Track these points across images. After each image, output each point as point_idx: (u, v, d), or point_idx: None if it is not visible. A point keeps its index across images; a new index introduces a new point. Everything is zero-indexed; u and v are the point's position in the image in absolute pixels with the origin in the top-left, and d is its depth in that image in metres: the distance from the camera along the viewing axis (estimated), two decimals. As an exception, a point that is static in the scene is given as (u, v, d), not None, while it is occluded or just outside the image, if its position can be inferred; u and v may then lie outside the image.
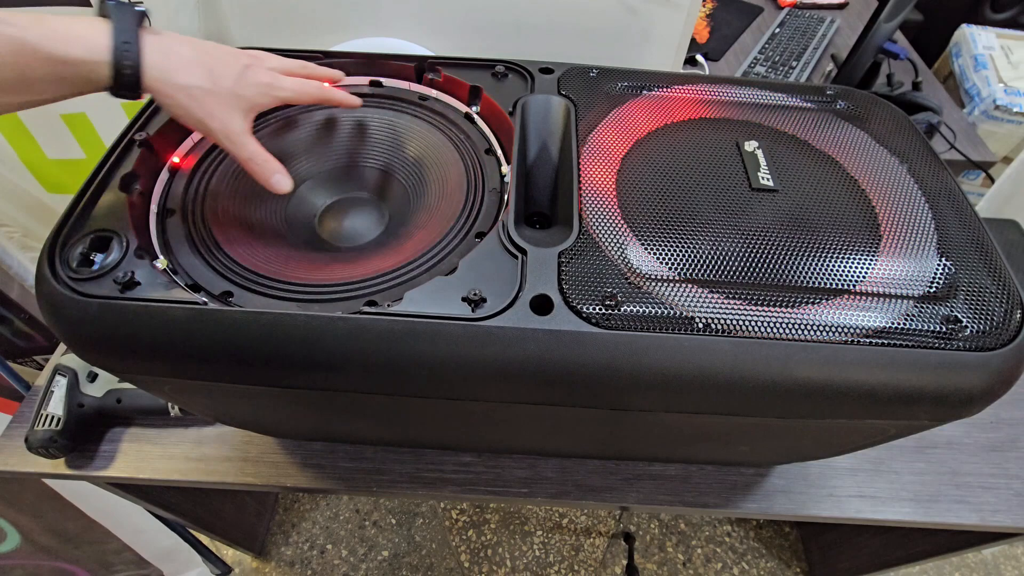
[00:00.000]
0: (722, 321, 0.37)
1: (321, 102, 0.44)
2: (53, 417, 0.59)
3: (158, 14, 0.77)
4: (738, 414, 0.40)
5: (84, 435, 0.62)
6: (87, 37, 0.34)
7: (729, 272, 0.40)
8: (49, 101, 0.35)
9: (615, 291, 0.38)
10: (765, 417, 0.41)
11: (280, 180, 0.39)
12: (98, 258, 0.39)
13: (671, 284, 0.39)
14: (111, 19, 0.35)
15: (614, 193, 0.44)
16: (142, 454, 0.63)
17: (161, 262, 0.40)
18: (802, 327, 0.37)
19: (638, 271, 0.39)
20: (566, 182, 0.45)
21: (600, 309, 0.37)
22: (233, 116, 0.39)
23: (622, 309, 0.37)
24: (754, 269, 0.40)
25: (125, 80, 0.35)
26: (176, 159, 0.48)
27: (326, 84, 0.47)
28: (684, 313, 0.37)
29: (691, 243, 0.41)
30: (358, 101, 0.44)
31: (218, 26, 0.84)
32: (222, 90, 0.38)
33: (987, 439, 0.66)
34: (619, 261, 0.40)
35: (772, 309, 0.38)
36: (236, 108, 0.39)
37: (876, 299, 0.39)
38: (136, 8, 0.36)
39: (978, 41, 1.38)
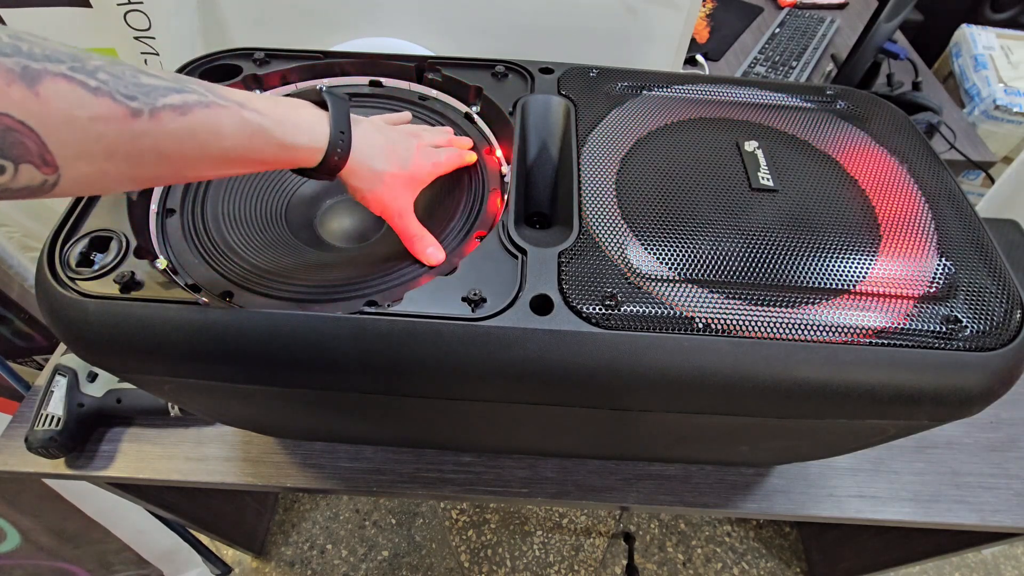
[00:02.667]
0: (722, 321, 0.37)
1: (460, 167, 0.48)
2: (53, 417, 0.59)
3: (158, 13, 0.78)
4: (738, 414, 0.40)
5: (84, 435, 0.62)
6: (312, 126, 0.37)
7: (729, 272, 0.40)
8: (242, 173, 0.38)
9: (615, 291, 0.38)
10: (765, 417, 0.41)
11: (433, 254, 0.43)
12: (98, 258, 0.39)
13: (671, 284, 0.39)
14: (329, 109, 0.38)
15: (614, 193, 0.44)
16: (142, 454, 0.63)
17: (161, 262, 0.40)
18: (802, 327, 0.37)
19: (638, 271, 0.39)
20: (566, 182, 0.45)
21: (600, 309, 0.37)
22: (409, 197, 0.43)
23: (622, 309, 0.37)
24: (754, 269, 0.40)
25: (332, 166, 0.38)
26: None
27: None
28: (684, 313, 0.37)
29: (691, 243, 0.41)
30: (474, 159, 0.49)
31: (218, 26, 0.84)
32: (403, 174, 0.42)
33: (987, 439, 0.66)
34: (619, 261, 0.40)
35: (772, 309, 0.38)
36: (411, 189, 0.43)
37: (876, 299, 0.39)
38: (345, 99, 0.39)
39: (978, 41, 1.38)
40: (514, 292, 0.38)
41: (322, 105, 0.39)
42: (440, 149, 0.46)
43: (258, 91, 0.53)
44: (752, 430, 0.45)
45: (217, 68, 0.53)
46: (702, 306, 0.38)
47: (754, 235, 0.42)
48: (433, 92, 0.56)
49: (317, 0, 0.83)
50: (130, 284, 0.38)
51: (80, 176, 0.28)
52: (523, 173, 0.48)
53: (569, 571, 1.23)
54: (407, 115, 0.51)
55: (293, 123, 0.36)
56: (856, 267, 0.40)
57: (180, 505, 0.89)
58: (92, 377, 0.62)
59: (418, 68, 0.55)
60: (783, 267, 0.40)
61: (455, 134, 0.52)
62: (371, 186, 0.41)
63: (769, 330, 0.37)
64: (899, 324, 0.38)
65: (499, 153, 0.51)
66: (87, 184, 0.29)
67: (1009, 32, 1.41)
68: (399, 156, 0.42)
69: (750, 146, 0.48)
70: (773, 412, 0.40)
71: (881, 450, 0.65)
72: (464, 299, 0.38)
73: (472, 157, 0.48)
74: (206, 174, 0.35)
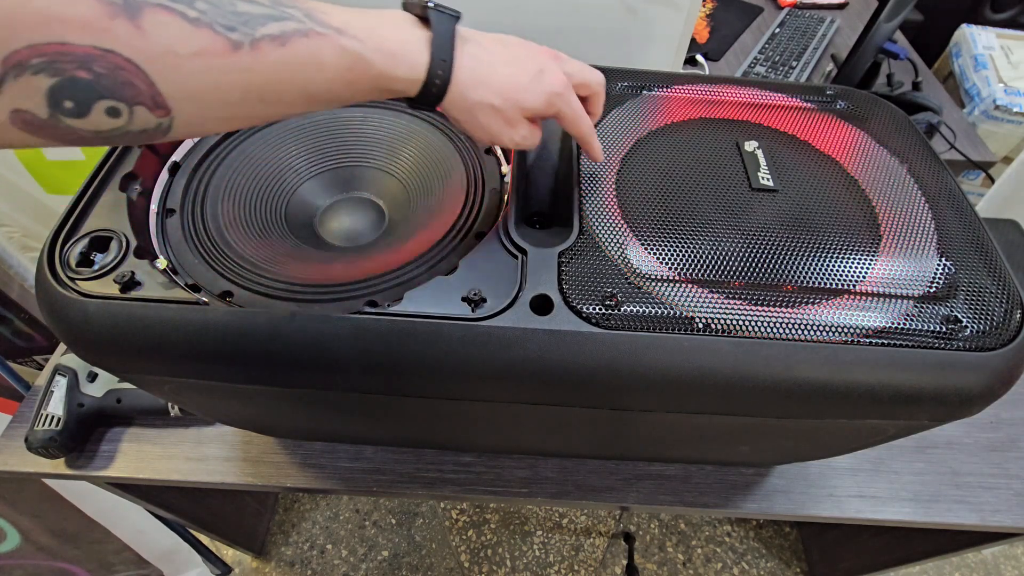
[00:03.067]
0: (722, 321, 0.37)
1: (581, 141, 0.42)
2: (53, 417, 0.59)
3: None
4: (738, 414, 0.40)
5: (84, 435, 0.62)
6: (411, 55, 0.33)
7: (729, 272, 0.40)
8: (326, 108, 0.34)
9: (615, 291, 0.38)
10: (765, 417, 0.41)
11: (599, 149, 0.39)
12: (98, 258, 0.39)
13: (671, 284, 0.39)
14: (432, 30, 0.34)
15: (614, 193, 0.44)
16: (142, 454, 0.63)
17: (161, 262, 0.40)
18: (802, 327, 0.37)
19: (638, 271, 0.39)
20: (566, 182, 0.45)
21: (600, 309, 0.37)
22: (518, 127, 0.38)
23: (622, 309, 0.37)
24: (754, 269, 0.40)
25: (430, 98, 0.35)
26: (176, 159, 0.48)
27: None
28: (684, 313, 0.37)
29: (691, 243, 0.41)
30: (601, 157, 0.44)
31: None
32: (510, 103, 0.37)
33: (987, 439, 0.66)
34: (619, 261, 0.40)
35: (772, 309, 0.38)
36: (520, 118, 0.38)
37: (876, 299, 0.39)
38: (454, 16, 0.35)
39: (978, 41, 1.38)
40: (514, 292, 0.38)
41: (426, 22, 0.34)
42: (575, 96, 0.40)
43: None
44: (752, 430, 0.45)
45: (217, 68, 0.53)
46: (702, 306, 0.38)
47: (754, 235, 0.42)
48: (433, 92, 0.55)
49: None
50: (130, 284, 0.38)
51: (190, 118, 0.27)
52: (523, 173, 0.48)
53: (569, 571, 1.23)
54: (600, 77, 0.43)
55: (391, 51, 0.32)
56: (856, 267, 0.40)
57: (180, 505, 0.89)
58: (92, 377, 0.62)
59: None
60: (783, 267, 0.40)
61: (454, 133, 0.52)
62: (470, 118, 0.37)
63: (769, 330, 0.37)
64: (899, 324, 0.38)
65: (499, 153, 0.51)
66: (197, 126, 0.28)
67: (1009, 32, 1.41)
68: (508, 81, 0.37)
69: (750, 146, 0.48)
70: (773, 412, 0.40)
71: (881, 450, 0.65)
72: (464, 299, 0.38)
73: (600, 156, 0.43)
74: (306, 109, 0.32)
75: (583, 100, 0.41)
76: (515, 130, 0.38)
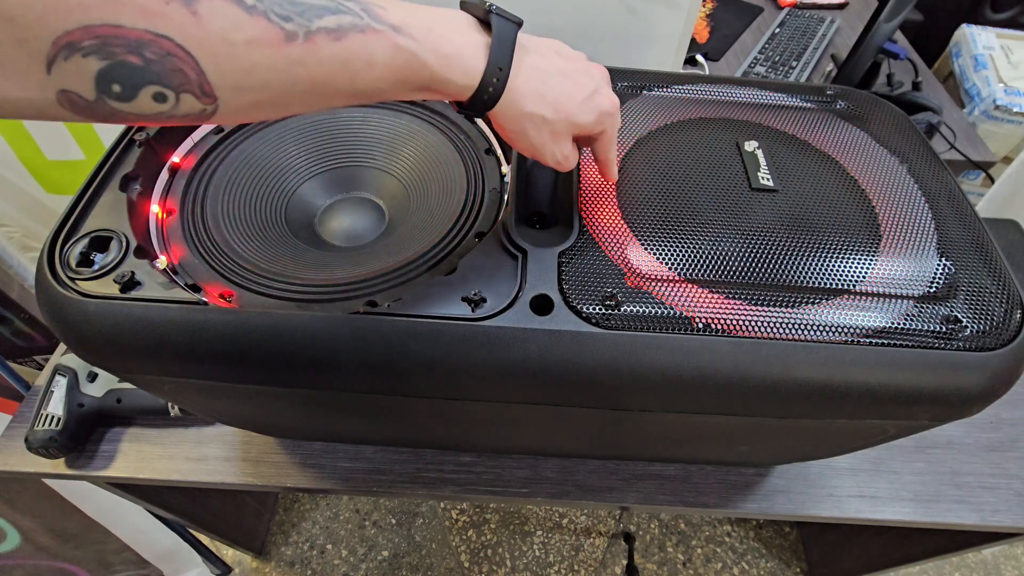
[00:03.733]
0: (722, 321, 0.37)
1: (607, 163, 0.42)
2: (53, 417, 0.59)
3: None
4: (738, 414, 0.40)
5: (84, 435, 0.62)
6: (467, 60, 0.32)
7: (729, 272, 0.40)
8: (366, 102, 0.33)
9: (615, 291, 0.38)
10: (765, 417, 0.41)
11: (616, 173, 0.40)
12: (98, 258, 0.39)
13: (671, 284, 0.39)
14: (493, 36, 0.33)
15: (614, 193, 0.44)
16: (142, 454, 0.63)
17: (161, 262, 0.40)
18: (802, 327, 0.37)
19: (638, 271, 0.39)
20: (566, 182, 0.45)
21: (600, 309, 0.37)
22: (564, 144, 0.38)
23: (622, 309, 0.37)
24: (754, 269, 0.40)
25: (480, 105, 0.34)
26: (176, 159, 0.48)
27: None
28: (684, 313, 0.37)
29: (691, 243, 0.41)
30: (615, 179, 0.44)
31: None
32: (560, 117, 0.36)
33: (987, 439, 0.66)
34: (619, 261, 0.40)
35: (772, 309, 0.38)
36: (568, 135, 0.38)
37: (876, 299, 0.39)
38: (516, 23, 0.34)
39: (978, 41, 1.38)
40: (514, 292, 0.38)
41: (487, 26, 0.33)
42: (617, 115, 0.40)
43: None
44: (752, 430, 0.45)
45: (217, 68, 0.53)
46: (702, 306, 0.38)
47: (754, 235, 0.42)
48: (433, 92, 0.55)
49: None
50: (130, 284, 0.38)
51: (235, 106, 0.27)
52: (523, 173, 0.48)
53: (569, 571, 1.23)
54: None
55: (446, 54, 0.31)
56: (856, 267, 0.40)
57: (180, 505, 0.89)
58: (92, 377, 0.62)
59: (418, 68, 0.55)
60: (783, 267, 0.40)
61: (454, 133, 0.52)
62: (517, 129, 0.36)
63: (769, 330, 0.37)
64: (899, 324, 0.38)
65: (499, 153, 0.51)
66: (242, 114, 0.28)
67: (1009, 32, 1.41)
68: (562, 96, 0.36)
69: (750, 146, 0.48)
70: (773, 412, 0.40)
71: (881, 450, 0.65)
72: (464, 299, 0.38)
73: (614, 177, 0.43)
74: (341, 104, 0.32)
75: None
76: (559, 146, 0.37)
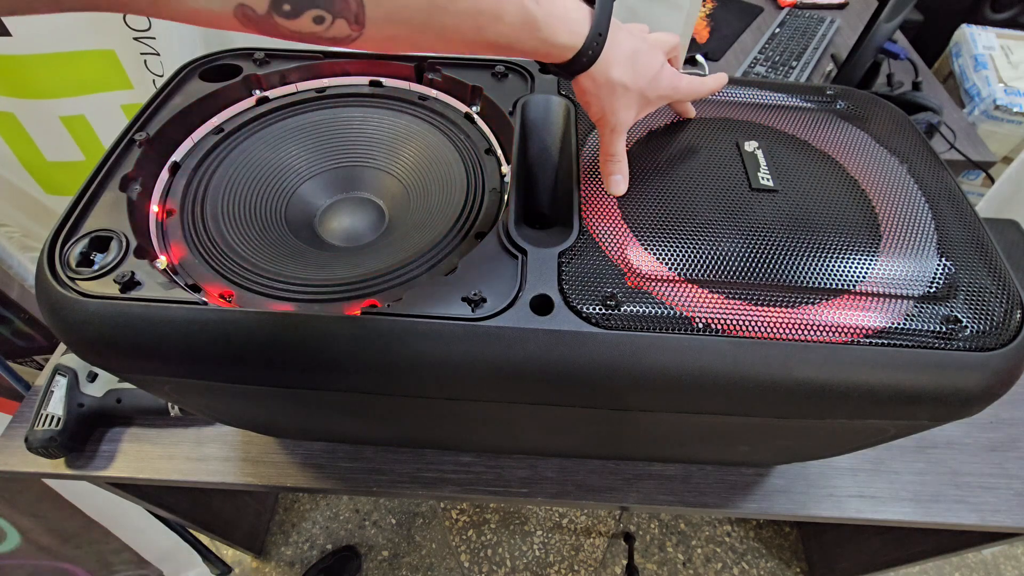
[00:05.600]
0: (722, 321, 0.37)
1: (684, 109, 0.48)
2: (53, 417, 0.59)
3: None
4: (738, 414, 0.40)
5: (84, 435, 0.62)
6: (575, 23, 0.36)
7: (729, 272, 0.40)
8: (484, 54, 0.37)
9: (615, 291, 0.38)
10: (765, 417, 0.41)
11: (617, 184, 0.43)
12: (98, 258, 0.39)
13: (671, 284, 0.39)
14: (596, 5, 0.37)
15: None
16: (142, 454, 0.63)
17: (161, 262, 0.40)
18: (802, 327, 0.37)
19: (638, 271, 0.39)
20: (566, 182, 0.45)
21: (600, 309, 0.37)
22: (632, 113, 0.42)
23: (622, 309, 0.37)
24: (754, 269, 0.40)
25: (578, 66, 0.38)
26: (176, 159, 0.48)
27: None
28: (684, 313, 0.37)
29: (691, 243, 0.41)
30: (693, 113, 0.49)
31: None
32: (636, 88, 0.40)
33: (987, 439, 0.66)
34: (619, 261, 0.40)
35: (772, 309, 0.38)
36: (638, 106, 0.42)
37: (876, 299, 0.39)
38: None
39: (978, 41, 1.38)
40: (514, 292, 0.38)
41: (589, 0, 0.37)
42: (682, 76, 0.44)
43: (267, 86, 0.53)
44: (752, 430, 0.45)
45: (217, 68, 0.53)
46: (702, 306, 0.38)
47: (754, 235, 0.42)
48: (433, 92, 0.56)
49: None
50: (130, 284, 0.38)
51: (377, 36, 0.31)
52: (523, 173, 0.48)
53: (569, 571, 1.23)
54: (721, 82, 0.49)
55: (559, 17, 0.36)
56: (856, 267, 0.40)
57: (180, 505, 0.89)
58: (92, 377, 0.62)
59: (418, 68, 0.55)
60: (783, 267, 0.40)
61: (454, 133, 0.52)
62: (600, 93, 0.40)
63: (769, 330, 0.37)
64: (899, 324, 0.38)
65: (499, 153, 0.51)
66: (379, 44, 0.32)
67: (1009, 32, 1.41)
68: (639, 68, 0.40)
69: (750, 146, 0.48)
70: (773, 412, 0.40)
71: (881, 450, 0.65)
72: (464, 299, 0.38)
73: (692, 111, 0.48)
74: (470, 53, 0.36)
75: None
76: (627, 113, 0.41)
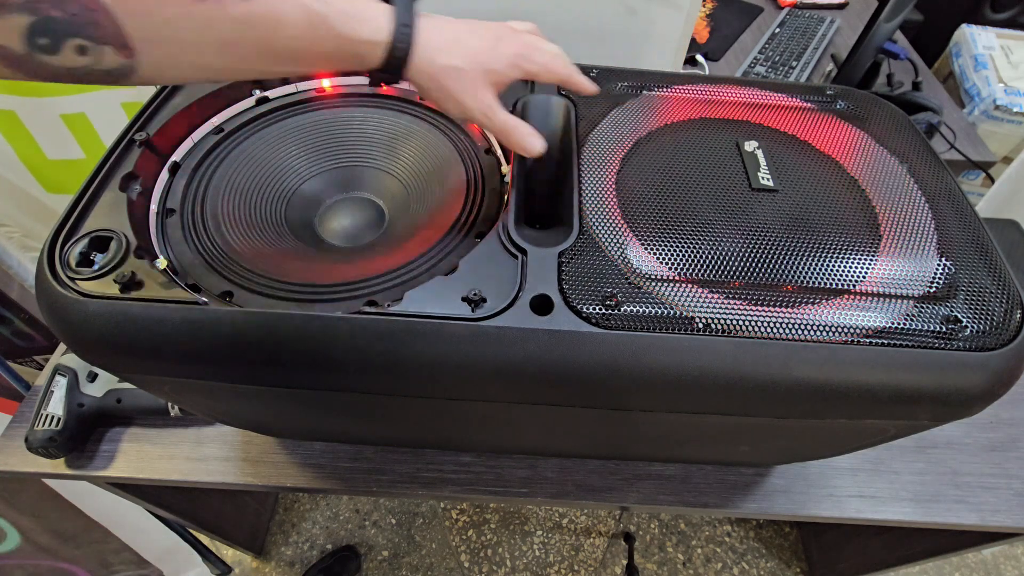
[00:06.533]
0: (722, 321, 0.37)
1: (566, 82, 0.44)
2: (53, 417, 0.59)
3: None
4: (738, 414, 0.40)
5: (84, 435, 0.62)
6: (374, 19, 0.35)
7: (729, 272, 0.40)
8: (304, 73, 0.37)
9: (615, 291, 0.38)
10: (765, 417, 0.41)
11: (533, 142, 0.41)
12: (98, 258, 0.39)
13: (671, 284, 0.39)
14: (394, 1, 0.36)
15: (614, 193, 0.44)
16: (142, 454, 0.63)
17: (161, 262, 0.40)
18: (802, 327, 0.37)
19: (638, 271, 0.39)
20: (566, 182, 0.45)
21: (600, 309, 0.37)
22: (485, 91, 0.40)
23: (622, 309, 0.37)
24: (754, 269, 0.40)
25: (394, 62, 0.37)
26: (176, 159, 0.48)
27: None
28: (684, 313, 0.37)
29: (691, 243, 0.41)
30: (596, 88, 0.45)
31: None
32: (475, 66, 0.39)
33: (987, 439, 0.66)
34: (619, 261, 0.40)
35: (772, 309, 0.38)
36: (487, 83, 0.40)
37: (876, 299, 0.39)
38: None
39: (978, 41, 1.38)
40: (514, 292, 0.38)
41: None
42: (538, 51, 0.42)
43: (257, 91, 0.53)
44: (752, 430, 0.45)
45: (217, 68, 0.53)
46: (702, 306, 0.38)
47: (754, 235, 0.42)
48: (433, 92, 0.55)
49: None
50: (130, 284, 0.38)
51: (155, 60, 0.30)
52: (523, 173, 0.48)
53: (569, 571, 1.23)
54: (556, 47, 0.45)
55: (354, 15, 0.35)
56: (856, 267, 0.40)
57: (180, 505, 0.89)
58: (92, 377, 0.62)
59: (418, 68, 0.55)
60: (783, 267, 0.40)
61: (454, 133, 0.52)
62: (439, 86, 0.38)
63: (769, 330, 0.37)
64: (899, 324, 0.38)
65: (499, 153, 0.51)
66: (163, 69, 0.31)
67: (1009, 32, 1.41)
68: (471, 47, 0.39)
69: (750, 146, 0.48)
70: (773, 412, 0.40)
71: (881, 450, 0.65)
72: (464, 299, 0.38)
73: (593, 87, 0.44)
74: (273, 68, 0.35)
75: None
76: (481, 96, 0.39)
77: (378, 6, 0.36)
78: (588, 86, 0.44)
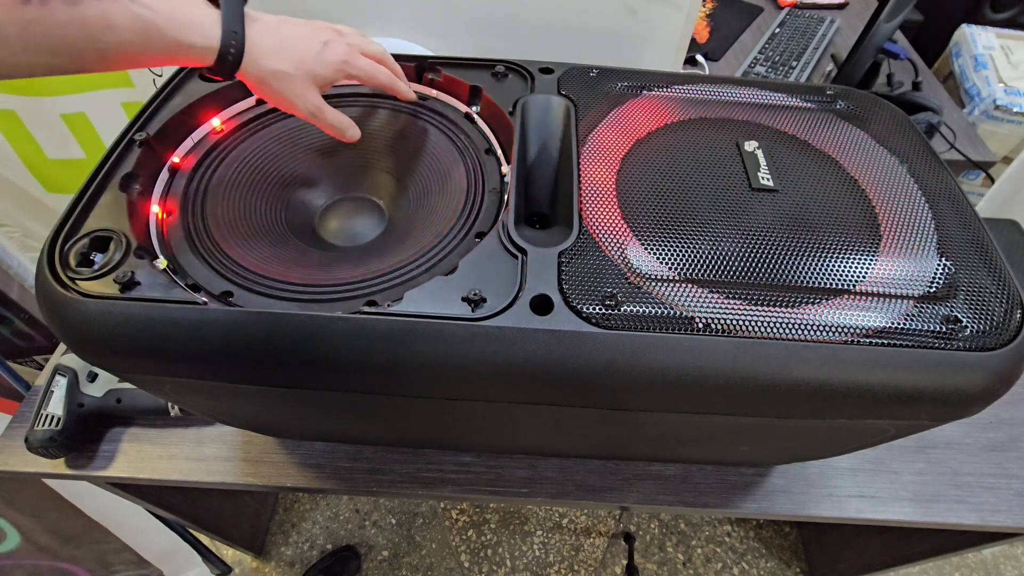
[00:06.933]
0: (722, 321, 0.37)
1: (386, 89, 0.47)
2: (53, 417, 0.59)
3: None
4: (738, 414, 0.40)
5: (84, 435, 0.62)
6: (202, 25, 0.37)
7: (729, 272, 0.40)
8: (141, 68, 0.38)
9: (615, 291, 0.38)
10: (765, 417, 0.41)
11: (353, 132, 0.46)
12: (98, 258, 0.39)
13: (671, 284, 0.39)
14: (221, 6, 0.38)
15: (614, 193, 0.44)
16: (142, 454, 0.63)
17: (161, 262, 0.40)
18: (802, 327, 0.37)
19: (638, 271, 0.39)
20: (566, 182, 0.45)
21: (600, 309, 0.37)
22: (311, 93, 0.43)
23: (622, 309, 0.37)
24: (754, 269, 0.40)
25: (226, 66, 0.39)
26: (176, 159, 0.48)
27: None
28: (684, 313, 0.37)
29: (691, 243, 0.41)
30: (413, 96, 0.48)
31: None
32: (302, 71, 0.42)
33: (987, 439, 0.66)
34: (619, 261, 0.40)
35: (772, 309, 0.38)
36: (313, 85, 0.43)
37: (876, 299, 0.39)
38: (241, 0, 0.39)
39: (978, 41, 1.38)
40: (514, 292, 0.38)
41: (215, 3, 0.39)
42: (362, 57, 0.45)
43: None
44: (752, 430, 0.45)
45: (217, 68, 0.53)
46: (702, 306, 0.38)
47: (754, 235, 0.42)
48: (433, 92, 0.56)
49: (317, 0, 0.83)
50: (130, 284, 0.38)
51: None
52: (523, 173, 0.48)
53: (569, 571, 1.23)
54: (379, 46, 0.48)
55: (183, 22, 0.36)
56: (856, 267, 0.40)
57: (180, 505, 0.89)
58: (92, 377, 0.62)
59: (418, 68, 0.55)
60: (783, 267, 0.40)
61: (454, 133, 0.52)
62: (268, 86, 0.41)
63: (769, 330, 0.37)
64: (899, 324, 0.38)
65: (499, 153, 0.51)
66: None
67: (1009, 32, 1.41)
68: (297, 52, 0.42)
69: (750, 146, 0.48)
70: (773, 412, 0.40)
71: (881, 450, 0.65)
72: (464, 299, 0.38)
73: (410, 95, 0.48)
74: (104, 67, 0.36)
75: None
76: (308, 97, 0.43)
77: (207, 11, 0.38)
78: (407, 93, 0.48)
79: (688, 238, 0.41)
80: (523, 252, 0.40)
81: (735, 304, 0.38)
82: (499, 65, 0.55)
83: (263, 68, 0.40)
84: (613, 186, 0.45)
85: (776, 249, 0.41)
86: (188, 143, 0.50)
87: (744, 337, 0.37)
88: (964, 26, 1.43)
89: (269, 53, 0.40)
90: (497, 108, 0.52)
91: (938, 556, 0.86)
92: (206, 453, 0.63)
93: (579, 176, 0.45)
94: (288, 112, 0.44)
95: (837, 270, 0.40)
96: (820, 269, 0.40)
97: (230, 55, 0.38)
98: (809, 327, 0.37)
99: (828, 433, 0.45)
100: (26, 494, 0.76)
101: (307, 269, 0.43)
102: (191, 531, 1.04)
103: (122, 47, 0.35)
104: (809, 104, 0.54)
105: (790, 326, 0.37)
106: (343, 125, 0.46)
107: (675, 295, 0.38)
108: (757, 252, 0.41)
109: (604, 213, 0.42)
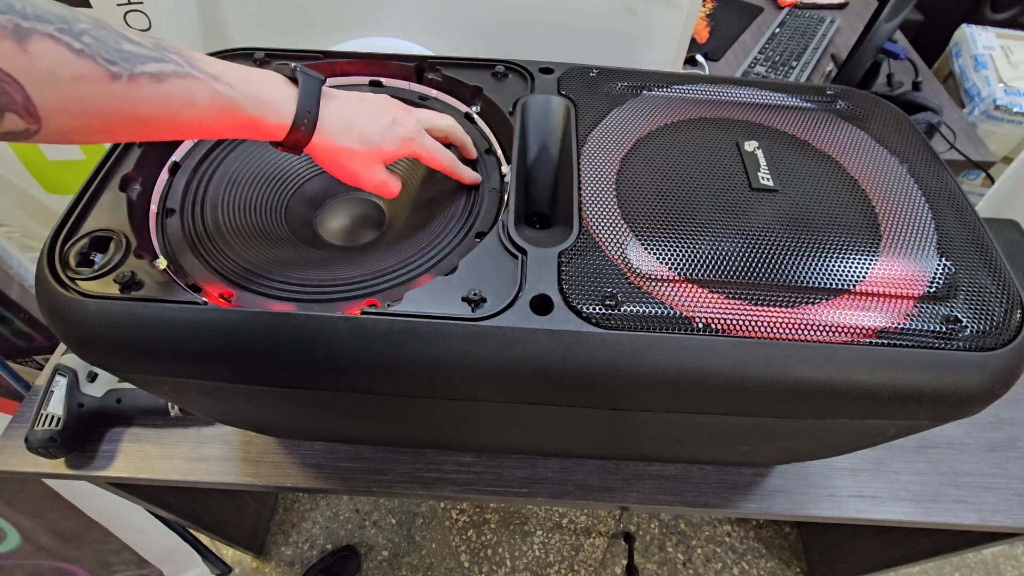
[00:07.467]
0: (722, 321, 0.37)
1: (448, 173, 0.47)
2: (53, 417, 0.59)
3: (158, 13, 0.78)
4: (738, 414, 0.40)
5: (84, 435, 0.62)
6: (280, 104, 0.38)
7: (729, 272, 0.40)
8: (214, 138, 0.40)
9: (615, 291, 0.38)
10: (765, 417, 0.41)
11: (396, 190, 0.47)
12: (98, 258, 0.39)
13: (671, 284, 0.39)
14: (299, 87, 0.39)
15: (614, 193, 0.44)
16: (142, 454, 0.63)
17: (161, 262, 0.40)
18: (802, 327, 0.37)
19: (638, 271, 0.39)
20: (566, 182, 0.45)
21: (600, 309, 0.37)
22: (377, 170, 0.44)
23: (622, 309, 0.37)
24: (754, 269, 0.40)
25: (295, 142, 0.40)
26: (176, 159, 0.48)
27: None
28: (684, 313, 0.37)
29: (691, 243, 0.41)
30: (476, 179, 0.48)
31: (218, 26, 0.84)
32: (368, 149, 0.43)
33: (987, 439, 0.66)
34: (619, 261, 0.40)
35: (772, 309, 0.38)
36: (379, 161, 0.44)
37: (876, 299, 0.39)
38: (319, 79, 0.41)
39: (978, 41, 1.38)
40: (514, 292, 0.38)
41: (295, 81, 0.40)
42: (428, 137, 0.46)
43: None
44: (752, 430, 0.45)
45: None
46: (702, 306, 0.38)
47: (754, 235, 0.42)
48: (433, 92, 0.56)
49: (320, 3, 0.83)
50: (130, 284, 0.38)
51: (61, 127, 0.31)
52: (523, 173, 0.48)
53: (569, 571, 1.23)
54: (449, 120, 0.49)
55: (262, 100, 0.37)
56: (856, 267, 0.40)
57: (180, 505, 0.89)
58: (92, 377, 0.62)
59: (418, 68, 0.55)
60: (783, 267, 0.40)
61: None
62: (335, 161, 0.43)
63: (769, 330, 0.37)
64: (899, 324, 0.38)
65: (499, 153, 0.51)
66: (67, 135, 0.32)
67: (1009, 32, 1.41)
68: (366, 130, 0.43)
69: (750, 146, 0.48)
70: (773, 412, 0.40)
71: (881, 450, 0.65)
72: (464, 299, 0.38)
73: (475, 178, 0.48)
74: (173, 137, 0.37)
75: (443, 141, 0.48)
76: (374, 174, 0.44)
77: (285, 90, 0.39)
78: (468, 178, 0.48)
79: (688, 238, 0.41)
80: (523, 252, 0.40)
81: (735, 304, 0.38)
82: (499, 65, 0.55)
83: (331, 144, 0.41)
84: (613, 186, 0.45)
85: (776, 249, 0.41)
86: (188, 143, 0.49)
87: (744, 337, 0.37)
88: (964, 26, 1.43)
89: (338, 131, 0.41)
90: (497, 108, 0.52)
91: (938, 556, 0.86)
92: (206, 453, 0.63)
93: (579, 176, 0.45)
94: (352, 185, 0.45)
95: (837, 270, 0.40)
96: (820, 269, 0.40)
97: (300, 132, 0.39)
98: (809, 327, 0.37)
99: (828, 433, 0.45)
100: (26, 494, 0.76)
101: (307, 269, 0.43)
102: (191, 531, 1.04)
103: (198, 122, 0.36)
104: (809, 104, 0.54)
105: (790, 326, 0.37)
106: (397, 190, 0.47)
107: (675, 295, 0.38)
108: (757, 252, 0.41)
109: (604, 213, 0.42)
